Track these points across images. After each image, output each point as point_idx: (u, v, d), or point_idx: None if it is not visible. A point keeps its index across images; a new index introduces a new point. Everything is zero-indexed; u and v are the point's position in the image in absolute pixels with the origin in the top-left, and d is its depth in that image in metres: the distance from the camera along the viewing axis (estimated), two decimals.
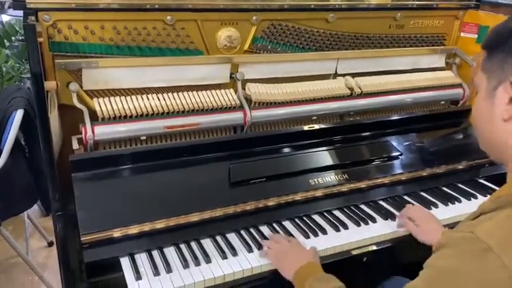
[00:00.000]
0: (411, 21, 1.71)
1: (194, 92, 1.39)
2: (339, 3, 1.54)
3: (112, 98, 1.30)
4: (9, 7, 2.92)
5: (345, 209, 1.38)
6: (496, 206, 0.72)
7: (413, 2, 1.70)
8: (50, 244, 2.48)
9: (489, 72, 0.81)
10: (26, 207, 2.07)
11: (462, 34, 1.83)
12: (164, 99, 1.34)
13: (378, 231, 1.30)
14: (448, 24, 1.80)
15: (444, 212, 1.40)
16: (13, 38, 2.81)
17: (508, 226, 0.68)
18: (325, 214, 1.36)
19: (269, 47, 1.50)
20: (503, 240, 0.66)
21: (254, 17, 1.43)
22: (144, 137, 1.32)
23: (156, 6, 1.29)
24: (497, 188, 1.48)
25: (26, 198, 2.00)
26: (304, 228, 1.28)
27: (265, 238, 1.22)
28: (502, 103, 0.77)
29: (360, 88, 1.61)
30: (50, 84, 1.20)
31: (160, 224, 1.19)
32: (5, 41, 2.78)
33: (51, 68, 1.24)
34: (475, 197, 1.51)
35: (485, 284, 0.65)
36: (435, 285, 0.70)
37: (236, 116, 1.41)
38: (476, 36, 1.78)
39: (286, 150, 1.44)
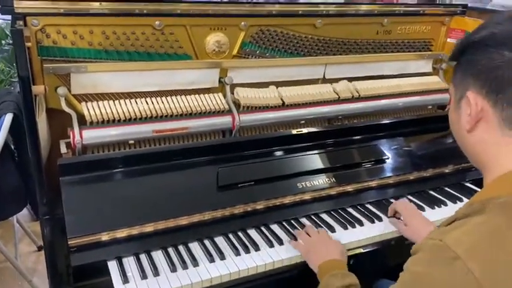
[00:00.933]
0: (398, 27, 1.74)
1: (183, 96, 1.40)
2: (327, 9, 1.56)
3: (100, 102, 1.31)
4: None
5: (333, 212, 1.39)
6: (468, 212, 0.73)
7: (400, 8, 1.72)
8: (40, 249, 2.47)
9: (455, 85, 0.83)
10: (15, 211, 2.06)
11: (449, 40, 1.85)
12: (153, 104, 1.35)
13: (364, 234, 1.31)
14: (434, 30, 1.83)
15: (431, 215, 1.41)
16: (3, 41, 2.81)
17: (476, 234, 0.69)
18: (313, 217, 1.37)
19: (258, 52, 1.52)
20: (470, 247, 0.67)
21: (243, 23, 1.44)
22: (132, 141, 1.32)
23: (145, 12, 1.30)
24: None
25: (15, 202, 1.99)
26: (292, 231, 1.29)
27: (253, 242, 1.23)
28: (465, 115, 0.79)
29: (357, 92, 1.64)
30: (38, 89, 1.20)
31: (148, 228, 1.20)
32: None
33: (40, 72, 1.24)
34: (461, 200, 1.52)
35: None
36: (410, 287, 0.73)
37: (225, 120, 1.42)
38: None
39: (275, 154, 1.45)
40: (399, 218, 1.35)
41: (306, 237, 1.23)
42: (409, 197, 1.52)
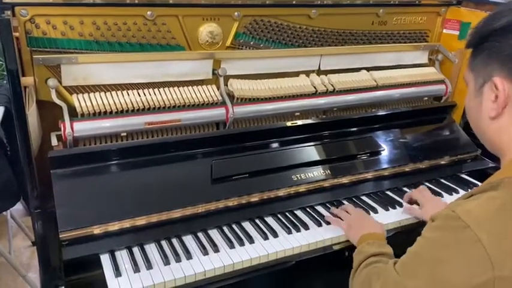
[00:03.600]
0: (394, 18, 1.72)
1: (176, 88, 1.38)
2: None
3: (92, 94, 1.29)
4: None
5: (328, 205, 1.38)
6: (484, 189, 0.78)
7: None
8: (34, 244, 2.45)
9: (475, 71, 0.84)
10: (8, 206, 2.04)
11: (444, 31, 1.84)
12: (145, 95, 1.33)
13: None
14: (430, 21, 1.81)
15: None
16: None
17: (487, 206, 0.74)
18: (308, 210, 1.36)
19: (251, 42, 1.50)
20: (480, 218, 0.72)
21: (236, 13, 1.42)
22: (124, 134, 1.30)
23: (136, 1, 1.28)
24: (479, 183, 1.50)
25: (8, 197, 1.96)
26: (287, 223, 1.28)
27: (248, 234, 1.22)
28: (488, 101, 0.81)
29: (352, 83, 1.61)
30: (27, 80, 1.18)
31: (141, 221, 1.19)
32: None
33: (29, 64, 1.22)
34: (457, 192, 1.52)
35: (463, 256, 0.72)
36: (423, 252, 0.80)
37: (218, 112, 1.41)
38: (458, 32, 1.80)
39: (269, 146, 1.44)
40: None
41: (346, 214, 1.28)
42: (405, 188, 1.51)
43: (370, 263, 1.01)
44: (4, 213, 2.31)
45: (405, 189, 1.51)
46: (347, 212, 1.29)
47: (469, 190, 1.49)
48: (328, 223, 1.29)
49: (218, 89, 1.43)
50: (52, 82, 1.23)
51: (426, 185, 1.54)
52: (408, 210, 1.36)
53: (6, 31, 1.03)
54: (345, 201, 1.41)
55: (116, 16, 1.28)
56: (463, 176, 1.63)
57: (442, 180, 1.58)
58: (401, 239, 1.26)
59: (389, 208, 1.39)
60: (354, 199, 1.42)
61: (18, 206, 2.40)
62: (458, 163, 1.67)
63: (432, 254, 0.77)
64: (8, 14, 1.11)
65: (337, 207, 1.37)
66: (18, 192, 1.98)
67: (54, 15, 1.22)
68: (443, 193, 1.50)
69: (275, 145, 1.44)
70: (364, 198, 1.44)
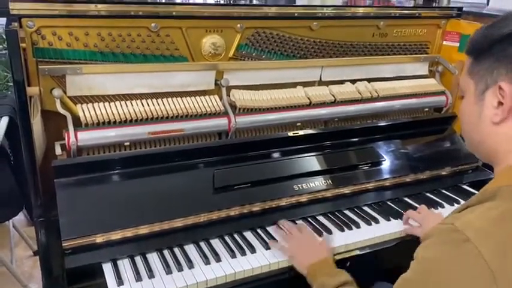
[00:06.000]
0: (394, 30, 1.74)
1: (179, 98, 1.40)
2: (323, 11, 1.56)
3: (96, 104, 1.30)
4: None
5: (329, 215, 1.39)
6: (480, 199, 0.76)
7: (396, 11, 1.73)
8: (36, 253, 2.45)
9: (477, 77, 0.83)
10: (10, 215, 2.05)
11: (444, 42, 1.86)
12: (148, 105, 1.35)
13: (361, 236, 1.30)
14: (430, 33, 1.83)
15: None
16: (0, 46, 2.81)
17: (486, 218, 0.71)
18: (309, 219, 1.36)
19: (254, 54, 1.52)
20: (481, 231, 0.69)
21: (239, 25, 1.44)
22: (127, 143, 1.32)
23: (141, 13, 1.30)
24: None
25: (11, 207, 1.98)
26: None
27: (249, 244, 1.22)
28: (491, 107, 0.80)
29: (354, 93, 1.63)
30: (33, 90, 1.20)
31: (143, 230, 1.19)
32: None
33: (35, 74, 1.24)
34: (458, 203, 1.52)
35: (464, 271, 0.68)
36: (421, 275, 0.74)
37: (221, 122, 1.42)
38: (458, 44, 1.81)
39: (271, 156, 1.45)
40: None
41: (289, 240, 1.22)
42: (406, 199, 1.51)
43: None
44: (6, 222, 2.32)
45: (406, 199, 1.51)
46: (291, 232, 1.24)
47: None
48: (330, 233, 1.30)
49: (220, 100, 1.45)
50: (57, 92, 1.25)
51: (427, 196, 1.55)
52: (408, 230, 1.34)
53: (14, 42, 1.05)
54: (346, 211, 1.41)
55: (120, 28, 1.30)
56: (464, 186, 1.64)
57: (443, 191, 1.59)
58: (403, 249, 1.26)
59: (391, 218, 1.39)
60: (355, 209, 1.43)
61: (20, 216, 2.40)
62: (459, 174, 1.68)
63: (433, 274, 0.72)
64: (15, 25, 1.13)
65: (338, 217, 1.37)
66: (21, 202, 2.00)
67: (60, 27, 1.24)
68: (444, 203, 1.50)
69: (277, 155, 1.45)
70: (365, 208, 1.45)
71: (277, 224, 1.31)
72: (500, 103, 0.78)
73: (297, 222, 1.34)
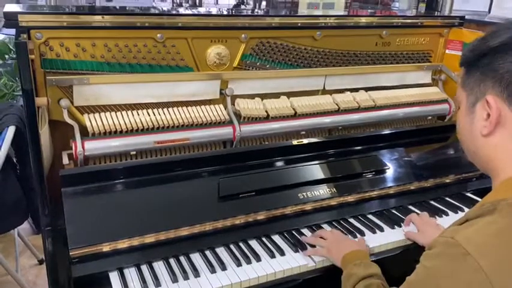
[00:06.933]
0: (397, 39, 1.76)
1: (184, 108, 1.41)
2: (326, 21, 1.58)
3: (102, 114, 1.32)
4: (3, 26, 2.95)
5: (334, 223, 1.39)
6: (479, 213, 0.76)
7: (399, 20, 1.75)
8: (41, 262, 2.46)
9: (468, 89, 0.84)
10: (16, 224, 2.06)
11: (447, 51, 1.87)
12: (154, 115, 1.36)
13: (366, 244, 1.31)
14: (433, 42, 1.85)
15: None
16: (6, 56, 2.84)
17: (486, 232, 0.72)
18: (314, 228, 1.36)
19: (258, 63, 1.53)
20: (481, 245, 0.70)
21: (243, 35, 1.46)
22: (134, 152, 1.33)
23: (147, 24, 1.32)
24: None
25: (17, 215, 1.99)
26: (294, 242, 1.29)
27: (255, 252, 1.23)
28: (480, 119, 0.81)
29: (357, 102, 1.64)
30: (41, 101, 1.22)
31: (149, 239, 1.20)
32: None
33: (43, 85, 1.26)
34: (462, 210, 1.52)
35: (465, 284, 0.69)
36: (422, 281, 0.77)
37: (226, 131, 1.43)
38: (460, 53, 1.83)
39: (276, 164, 1.45)
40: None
41: (322, 240, 1.26)
42: (410, 207, 1.52)
43: None
44: (11, 231, 2.33)
45: (411, 207, 1.51)
46: (322, 237, 1.27)
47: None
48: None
49: (225, 109, 1.46)
50: (64, 102, 1.27)
51: (431, 203, 1.55)
52: (408, 233, 1.35)
53: (23, 53, 1.06)
54: (351, 219, 1.42)
55: (126, 38, 1.32)
56: (468, 194, 1.64)
57: (447, 199, 1.59)
58: (408, 257, 1.26)
59: (396, 226, 1.39)
60: (360, 217, 1.43)
61: (25, 225, 2.41)
62: (463, 181, 1.68)
63: (432, 284, 0.75)
64: (24, 37, 1.15)
65: (343, 226, 1.38)
66: (27, 211, 2.01)
67: (68, 38, 1.26)
68: (448, 211, 1.51)
69: (281, 163, 1.46)
70: (370, 216, 1.45)
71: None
72: (489, 115, 0.79)
73: (302, 230, 1.35)
